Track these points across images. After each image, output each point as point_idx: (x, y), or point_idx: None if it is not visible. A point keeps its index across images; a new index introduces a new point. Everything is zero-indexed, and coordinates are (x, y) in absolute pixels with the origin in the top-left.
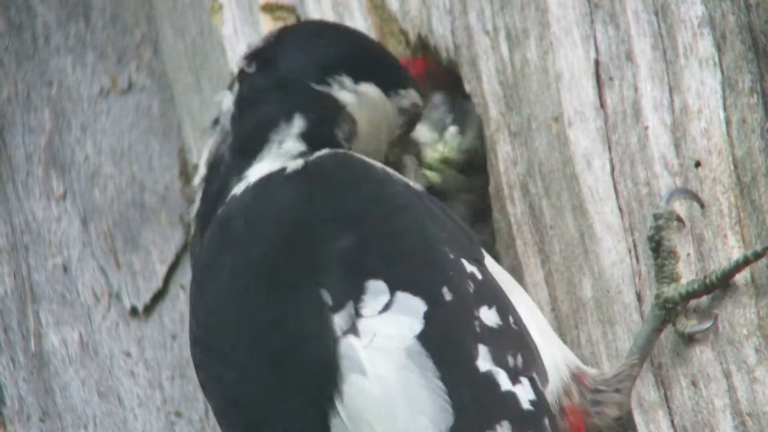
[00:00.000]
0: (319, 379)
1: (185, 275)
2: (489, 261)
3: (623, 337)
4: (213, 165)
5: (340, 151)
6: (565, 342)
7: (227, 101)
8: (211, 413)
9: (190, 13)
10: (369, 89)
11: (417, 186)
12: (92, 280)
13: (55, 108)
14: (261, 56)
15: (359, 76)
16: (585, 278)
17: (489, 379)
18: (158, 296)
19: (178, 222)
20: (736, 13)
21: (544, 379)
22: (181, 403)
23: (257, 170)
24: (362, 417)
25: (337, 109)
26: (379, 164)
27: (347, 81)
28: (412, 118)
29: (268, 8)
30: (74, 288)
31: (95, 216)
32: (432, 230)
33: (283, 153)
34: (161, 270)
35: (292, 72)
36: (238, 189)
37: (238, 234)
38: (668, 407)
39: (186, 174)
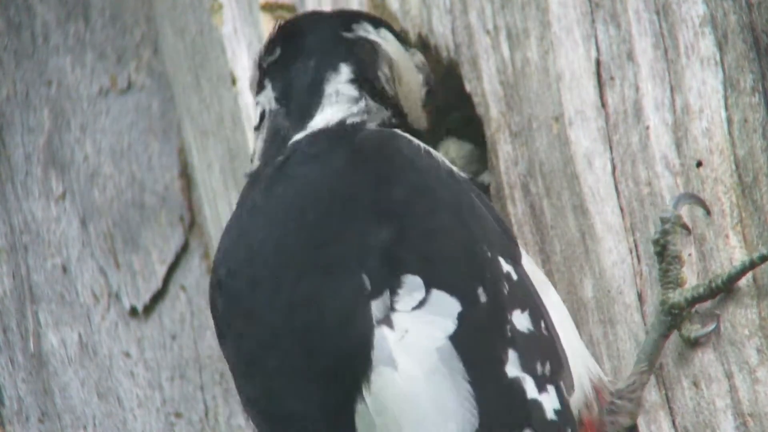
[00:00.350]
0: (348, 361)
1: (185, 275)
2: (526, 259)
3: (624, 338)
4: (272, 136)
5: (388, 130)
6: None
7: (266, 96)
8: (211, 414)
9: (190, 13)
10: (388, 35)
11: (461, 174)
12: (91, 281)
13: (54, 108)
14: (280, 40)
15: (376, 25)
16: (586, 278)
17: (516, 385)
18: (158, 296)
19: (178, 222)
20: (738, 12)
21: (570, 387)
22: (180, 403)
23: (320, 120)
24: (388, 409)
25: (373, 48)
26: (425, 147)
27: (369, 27)
28: (427, 77)
29: (268, 7)
30: (73, 288)
31: (95, 216)
32: (472, 226)
33: (341, 99)
34: (161, 270)
35: (319, 33)
36: (298, 137)
37: (292, 186)
38: (669, 408)
39: (186, 174)
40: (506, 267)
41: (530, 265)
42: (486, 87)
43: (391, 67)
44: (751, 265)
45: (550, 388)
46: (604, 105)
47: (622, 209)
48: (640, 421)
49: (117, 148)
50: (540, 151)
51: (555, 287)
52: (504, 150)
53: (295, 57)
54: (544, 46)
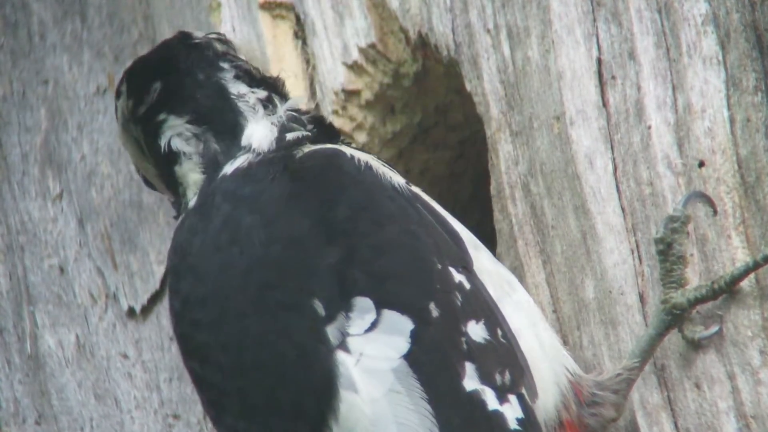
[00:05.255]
0: (312, 393)
1: None
2: (487, 259)
3: (626, 339)
4: (209, 164)
5: (329, 147)
6: (566, 343)
7: (173, 128)
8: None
9: (188, 12)
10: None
11: (406, 185)
12: (89, 281)
13: (51, 107)
14: (149, 77)
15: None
16: (587, 279)
17: (475, 399)
18: (156, 297)
19: (176, 222)
20: (740, 11)
21: (533, 393)
22: (178, 405)
23: (247, 140)
24: None
25: (223, 41)
26: (366, 161)
27: (197, 32)
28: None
29: (266, 6)
30: (71, 289)
31: (92, 216)
32: (420, 238)
33: (256, 107)
34: (159, 271)
35: (178, 52)
36: (229, 168)
37: (236, 222)
38: (672, 409)
39: None
40: (458, 277)
41: (493, 264)
42: (486, 86)
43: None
44: (755, 266)
45: (512, 397)
46: (605, 104)
47: (623, 209)
48: (642, 424)
49: (114, 147)
50: (541, 150)
51: (556, 288)
52: (505, 149)
53: (181, 79)
54: (545, 45)
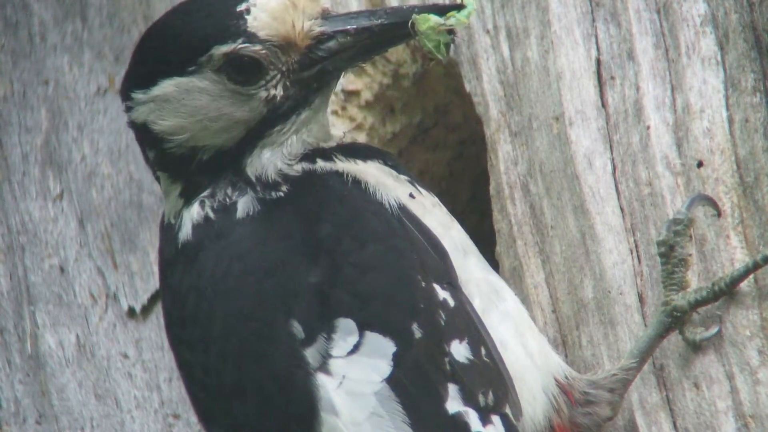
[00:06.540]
0: (292, 416)
1: None
2: (476, 266)
3: (625, 339)
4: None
5: (314, 168)
6: (565, 343)
7: None
8: None
9: None
10: (164, 85)
11: (392, 200)
12: (89, 281)
13: (51, 107)
14: None
15: (152, 78)
16: (586, 279)
17: (458, 421)
18: (156, 297)
19: None
20: (739, 11)
21: (518, 411)
22: (179, 404)
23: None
24: None
25: (144, 128)
26: (353, 176)
27: (139, 93)
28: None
29: None
30: (71, 289)
31: (92, 216)
32: (404, 255)
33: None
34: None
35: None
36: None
37: (208, 272)
38: (670, 409)
39: None
40: (442, 294)
41: (481, 271)
42: (486, 87)
43: (170, 134)
44: (754, 267)
45: (495, 418)
46: (604, 105)
47: (622, 209)
48: (641, 423)
49: (115, 147)
50: (540, 151)
51: (555, 288)
52: (504, 150)
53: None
54: (545, 45)
